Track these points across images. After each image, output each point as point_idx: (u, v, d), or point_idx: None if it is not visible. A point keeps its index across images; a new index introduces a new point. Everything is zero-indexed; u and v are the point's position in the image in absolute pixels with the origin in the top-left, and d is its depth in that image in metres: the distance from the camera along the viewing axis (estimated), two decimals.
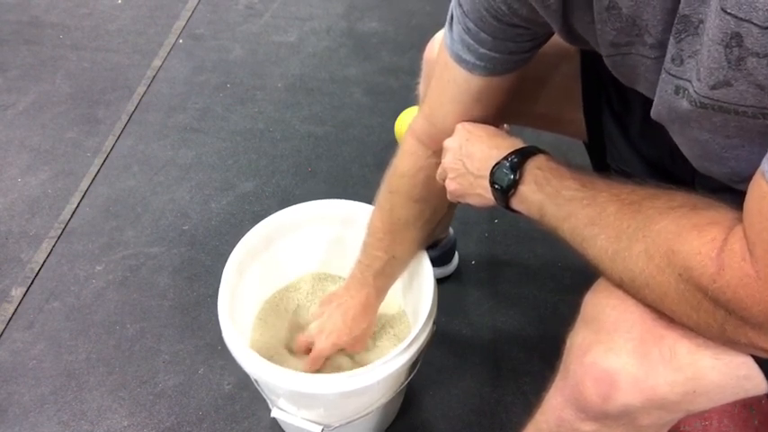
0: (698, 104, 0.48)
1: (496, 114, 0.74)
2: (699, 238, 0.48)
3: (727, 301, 0.46)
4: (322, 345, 0.92)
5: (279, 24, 1.95)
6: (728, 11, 0.41)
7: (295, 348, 0.99)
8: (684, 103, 0.50)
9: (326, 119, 1.64)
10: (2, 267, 1.31)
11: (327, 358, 0.96)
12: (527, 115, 0.87)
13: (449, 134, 0.74)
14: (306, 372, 0.91)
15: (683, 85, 0.49)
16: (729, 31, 0.42)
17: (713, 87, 0.46)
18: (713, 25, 0.43)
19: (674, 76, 0.50)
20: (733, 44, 0.42)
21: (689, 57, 0.47)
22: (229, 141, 1.58)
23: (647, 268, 0.51)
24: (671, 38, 0.48)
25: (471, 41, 0.65)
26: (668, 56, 0.49)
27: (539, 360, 1.14)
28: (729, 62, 0.43)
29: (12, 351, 1.17)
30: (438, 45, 0.85)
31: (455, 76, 0.69)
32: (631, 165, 0.77)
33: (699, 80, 0.46)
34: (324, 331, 0.92)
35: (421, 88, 0.95)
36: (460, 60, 0.68)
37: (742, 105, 0.45)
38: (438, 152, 0.77)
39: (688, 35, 0.46)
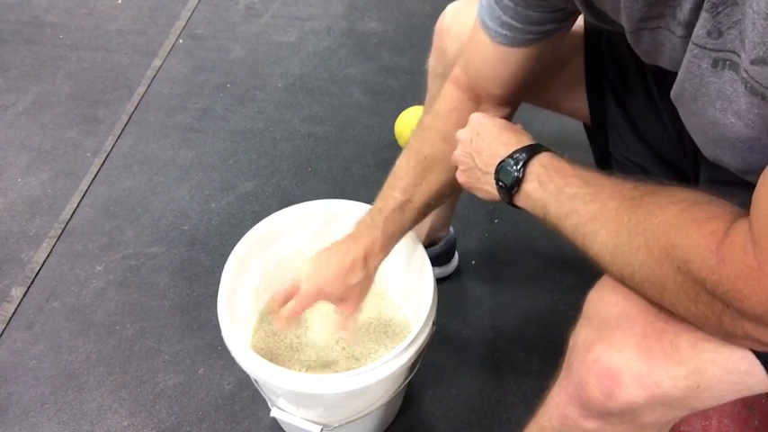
0: (741, 75, 0.46)
1: (521, 85, 0.76)
2: (698, 232, 0.48)
3: (725, 292, 0.46)
4: (307, 286, 0.83)
5: (279, 24, 1.95)
6: None
7: (274, 301, 0.87)
8: (727, 74, 0.48)
9: (326, 119, 1.64)
10: (2, 267, 1.31)
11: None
12: (532, 93, 0.87)
13: (482, 87, 0.77)
14: (282, 326, 0.85)
15: (724, 57, 0.48)
16: None
17: (752, 62, 0.44)
18: None
19: (710, 49, 0.48)
20: None
21: (728, 28, 0.46)
22: (229, 141, 1.58)
23: (646, 262, 0.52)
24: (703, 12, 0.47)
25: (495, 6, 0.68)
26: (701, 31, 0.48)
27: (539, 360, 1.14)
28: None
29: (12, 351, 1.17)
30: (449, 17, 0.92)
31: (482, 39, 0.73)
32: (634, 151, 0.77)
33: (744, 51, 0.45)
34: (314, 274, 0.84)
35: (431, 62, 0.98)
36: (485, 26, 0.71)
37: None
38: (473, 98, 0.80)
39: (726, 7, 0.45)
